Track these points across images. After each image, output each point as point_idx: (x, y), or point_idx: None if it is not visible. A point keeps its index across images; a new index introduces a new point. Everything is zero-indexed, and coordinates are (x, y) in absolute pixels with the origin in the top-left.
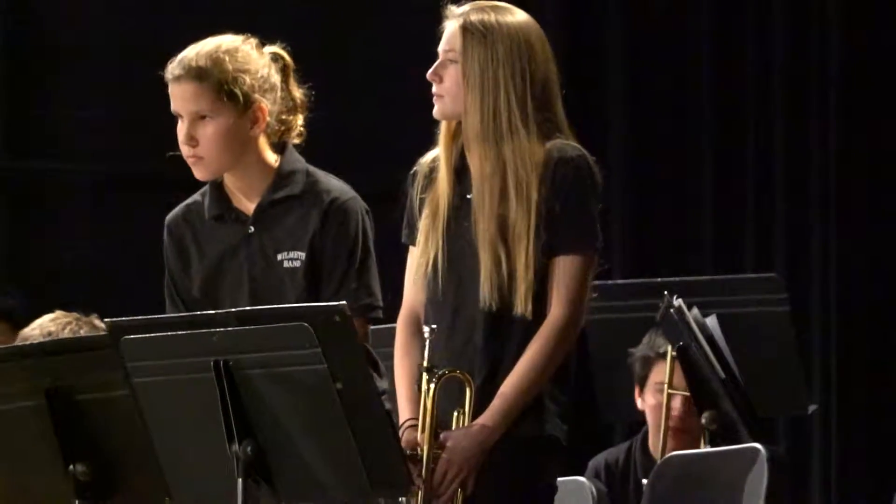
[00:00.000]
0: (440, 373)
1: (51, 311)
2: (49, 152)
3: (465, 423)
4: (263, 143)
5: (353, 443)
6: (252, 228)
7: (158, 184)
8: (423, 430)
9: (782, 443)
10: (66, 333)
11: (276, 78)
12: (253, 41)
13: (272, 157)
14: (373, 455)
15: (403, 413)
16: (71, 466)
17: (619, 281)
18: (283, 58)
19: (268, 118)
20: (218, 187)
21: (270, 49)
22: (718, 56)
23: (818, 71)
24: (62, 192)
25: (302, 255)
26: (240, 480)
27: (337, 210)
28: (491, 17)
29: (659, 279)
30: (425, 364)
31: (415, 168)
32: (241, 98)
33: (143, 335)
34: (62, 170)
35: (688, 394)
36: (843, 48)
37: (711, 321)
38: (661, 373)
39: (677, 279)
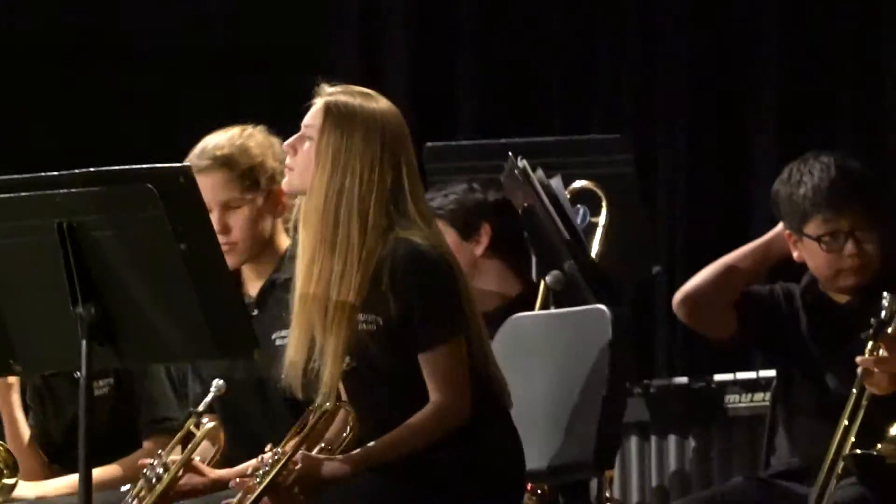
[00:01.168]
0: (333, 404)
1: None
2: None
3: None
4: (280, 227)
5: (197, 304)
6: (256, 311)
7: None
8: (293, 437)
9: (626, 304)
10: None
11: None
12: (261, 128)
13: (285, 242)
14: (217, 316)
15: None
16: None
17: (464, 142)
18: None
19: (286, 200)
20: (235, 271)
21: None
22: None
23: None
24: None
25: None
26: (84, 342)
27: None
28: (355, 102)
29: (503, 140)
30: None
31: None
32: (265, 183)
33: None
34: None
35: None
36: None
37: (556, 182)
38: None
39: (522, 140)
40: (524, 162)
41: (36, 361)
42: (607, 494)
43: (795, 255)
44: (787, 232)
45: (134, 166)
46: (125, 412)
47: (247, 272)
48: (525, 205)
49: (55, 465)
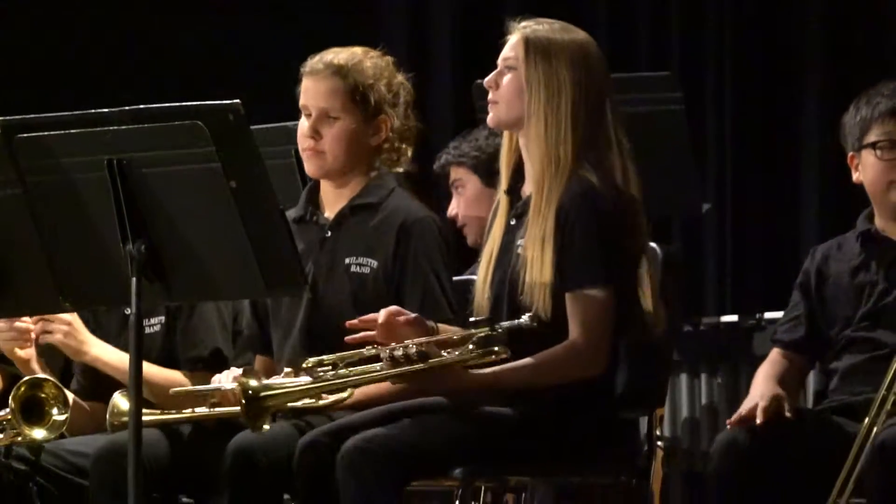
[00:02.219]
0: (486, 333)
1: None
2: None
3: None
4: (374, 157)
5: (247, 241)
6: (329, 233)
7: None
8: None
9: (676, 242)
10: None
11: (403, 98)
12: (390, 59)
13: (374, 173)
14: (267, 254)
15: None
16: None
17: None
18: (406, 85)
19: (389, 133)
20: (313, 191)
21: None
22: None
23: None
24: None
25: (374, 263)
26: (133, 280)
27: (409, 228)
28: (552, 31)
29: None
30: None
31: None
32: (371, 105)
33: (37, 133)
34: None
35: None
36: None
37: None
38: None
39: None
40: None
41: (85, 298)
42: (657, 432)
43: (855, 176)
44: (850, 154)
45: (184, 103)
46: (176, 351)
47: (326, 194)
48: None
49: (100, 401)
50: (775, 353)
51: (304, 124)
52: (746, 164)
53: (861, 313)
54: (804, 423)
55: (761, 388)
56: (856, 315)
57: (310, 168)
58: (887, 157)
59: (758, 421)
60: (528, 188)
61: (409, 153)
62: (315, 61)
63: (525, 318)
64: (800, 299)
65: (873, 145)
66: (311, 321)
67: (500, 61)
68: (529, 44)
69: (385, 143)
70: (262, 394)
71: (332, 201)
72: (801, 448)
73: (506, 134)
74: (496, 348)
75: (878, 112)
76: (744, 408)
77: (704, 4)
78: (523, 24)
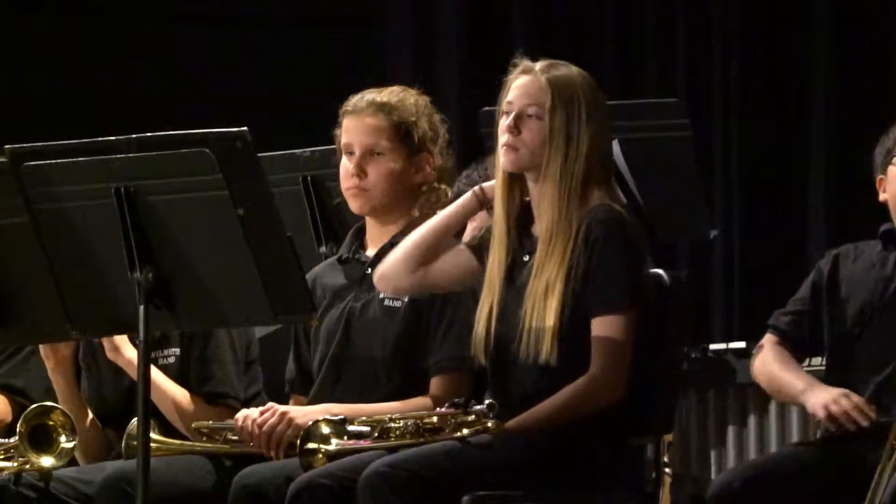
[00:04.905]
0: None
1: None
2: None
3: None
4: (417, 195)
5: (255, 269)
6: (369, 269)
7: None
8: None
9: (684, 268)
10: None
11: (441, 136)
12: (427, 98)
13: (416, 212)
14: (275, 281)
15: None
16: None
17: None
18: (443, 125)
19: (431, 171)
20: (360, 231)
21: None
22: None
23: None
24: None
25: (406, 297)
26: (141, 307)
27: None
28: (571, 76)
29: None
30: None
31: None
32: (415, 142)
33: (44, 161)
34: None
35: None
36: None
37: (613, 147)
38: None
39: None
40: None
41: (93, 326)
42: (665, 459)
43: (882, 197)
44: (879, 178)
45: (191, 131)
46: (189, 384)
47: (371, 232)
48: None
49: (110, 429)
50: (776, 344)
51: (346, 163)
52: (754, 190)
53: (874, 305)
54: (809, 456)
55: (824, 387)
56: (867, 310)
57: (354, 205)
58: None
59: (864, 423)
60: (537, 229)
61: (449, 194)
62: (357, 99)
63: (485, 403)
64: (809, 296)
65: None
66: (341, 352)
67: (515, 103)
68: (555, 91)
69: (428, 180)
70: (323, 448)
71: (376, 239)
72: (803, 485)
73: (502, 180)
74: (490, 424)
75: None
76: (837, 406)
77: (711, 31)
78: (539, 66)
